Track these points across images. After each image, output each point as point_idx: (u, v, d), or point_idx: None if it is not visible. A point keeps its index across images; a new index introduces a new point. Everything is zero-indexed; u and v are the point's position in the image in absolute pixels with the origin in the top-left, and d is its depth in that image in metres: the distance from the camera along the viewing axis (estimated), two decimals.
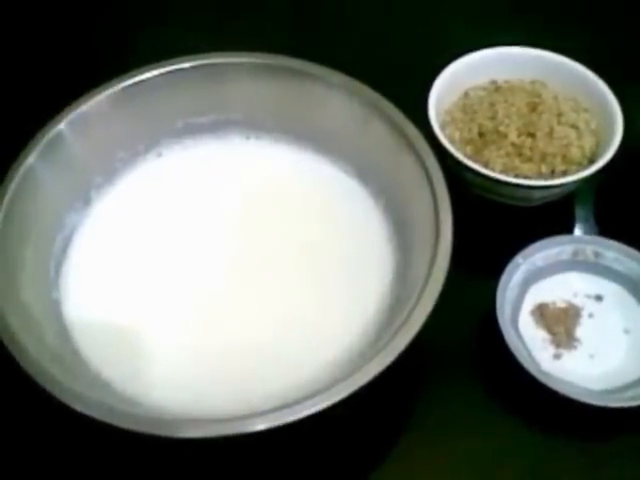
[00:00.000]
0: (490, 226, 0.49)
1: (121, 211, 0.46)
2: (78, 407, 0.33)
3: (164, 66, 0.45)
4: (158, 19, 0.65)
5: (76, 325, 0.41)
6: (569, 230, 0.50)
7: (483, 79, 0.52)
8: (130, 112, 0.45)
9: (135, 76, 0.45)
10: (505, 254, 0.45)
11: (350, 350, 0.40)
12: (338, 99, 0.45)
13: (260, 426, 0.32)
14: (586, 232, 0.49)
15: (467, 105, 0.51)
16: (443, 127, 0.49)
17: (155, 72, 0.45)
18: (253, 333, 0.41)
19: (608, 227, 0.49)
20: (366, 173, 0.46)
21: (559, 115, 0.49)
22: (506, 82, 0.52)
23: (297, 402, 0.33)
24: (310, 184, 0.47)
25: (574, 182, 0.46)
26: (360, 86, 0.45)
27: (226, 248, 0.45)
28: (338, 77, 0.45)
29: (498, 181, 0.46)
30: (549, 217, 0.50)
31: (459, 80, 0.51)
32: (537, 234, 0.46)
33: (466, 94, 0.52)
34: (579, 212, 0.51)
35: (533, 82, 0.52)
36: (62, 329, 0.41)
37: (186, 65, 0.46)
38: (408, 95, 0.45)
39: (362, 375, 0.34)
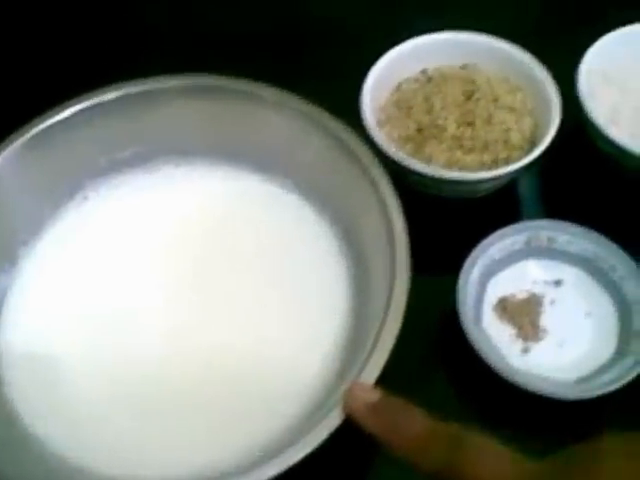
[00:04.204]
0: (439, 223, 0.48)
1: (50, 268, 0.42)
2: None
3: (76, 103, 0.42)
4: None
5: (15, 394, 0.38)
6: (518, 216, 0.49)
7: (414, 69, 0.50)
8: (46, 159, 0.42)
9: (46, 120, 0.41)
10: (460, 250, 0.44)
11: (313, 383, 0.38)
12: (269, 114, 0.43)
13: None
14: (536, 216, 0.48)
15: (401, 100, 0.49)
16: (380, 126, 0.47)
17: (67, 112, 0.42)
18: (204, 388, 0.38)
19: (556, 208, 0.49)
20: (307, 187, 0.44)
21: (495, 100, 0.48)
22: (436, 70, 0.50)
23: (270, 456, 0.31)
24: (248, 204, 0.45)
25: (518, 169, 0.45)
26: (291, 98, 0.42)
27: (168, 284, 0.42)
28: (266, 91, 0.43)
29: (442, 180, 0.44)
30: (497, 205, 0.49)
31: (390, 74, 0.49)
32: (488, 224, 0.45)
33: (399, 87, 0.50)
34: (526, 196, 0.51)
35: (464, 67, 0.50)
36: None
37: (100, 99, 0.42)
38: (341, 99, 0.43)
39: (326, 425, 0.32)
